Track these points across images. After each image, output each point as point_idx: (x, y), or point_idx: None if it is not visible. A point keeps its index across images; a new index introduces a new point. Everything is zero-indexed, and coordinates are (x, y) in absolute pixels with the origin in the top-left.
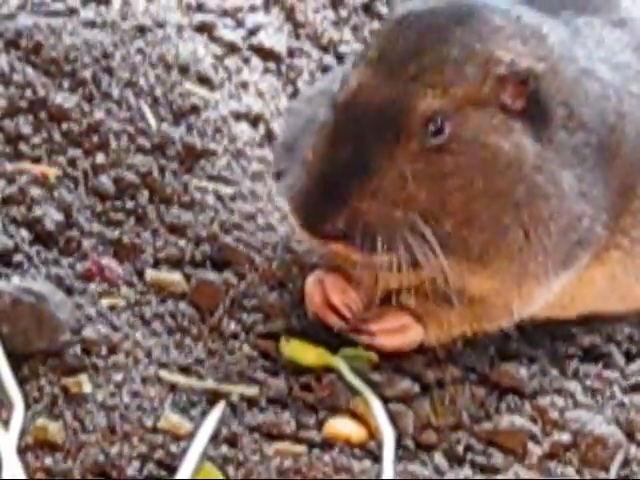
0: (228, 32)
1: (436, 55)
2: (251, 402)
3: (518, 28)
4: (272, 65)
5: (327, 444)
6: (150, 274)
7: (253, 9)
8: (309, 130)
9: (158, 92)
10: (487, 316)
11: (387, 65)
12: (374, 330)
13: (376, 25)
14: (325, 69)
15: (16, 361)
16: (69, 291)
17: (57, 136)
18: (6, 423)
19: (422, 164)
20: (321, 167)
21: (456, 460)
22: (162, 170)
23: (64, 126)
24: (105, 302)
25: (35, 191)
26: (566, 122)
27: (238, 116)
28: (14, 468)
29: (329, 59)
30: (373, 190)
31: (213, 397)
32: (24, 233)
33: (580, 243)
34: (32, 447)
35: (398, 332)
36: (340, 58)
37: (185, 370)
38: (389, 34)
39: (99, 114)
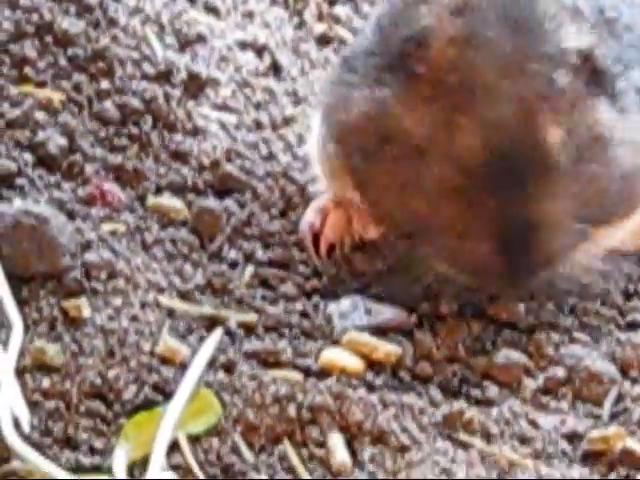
0: None
1: None
2: (249, 329)
3: None
4: None
5: (323, 372)
6: (152, 200)
7: None
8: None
9: (164, 20)
10: None
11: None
12: None
13: None
14: (332, 1)
15: (16, 283)
16: (70, 215)
17: (62, 61)
18: (5, 344)
19: None
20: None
21: (451, 392)
22: (166, 97)
23: (70, 51)
24: (106, 227)
25: (39, 115)
26: None
27: (244, 45)
28: (12, 389)
29: None
30: None
31: (211, 323)
32: (27, 156)
33: None
34: (30, 369)
35: None
36: None
37: (184, 296)
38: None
39: (105, 40)
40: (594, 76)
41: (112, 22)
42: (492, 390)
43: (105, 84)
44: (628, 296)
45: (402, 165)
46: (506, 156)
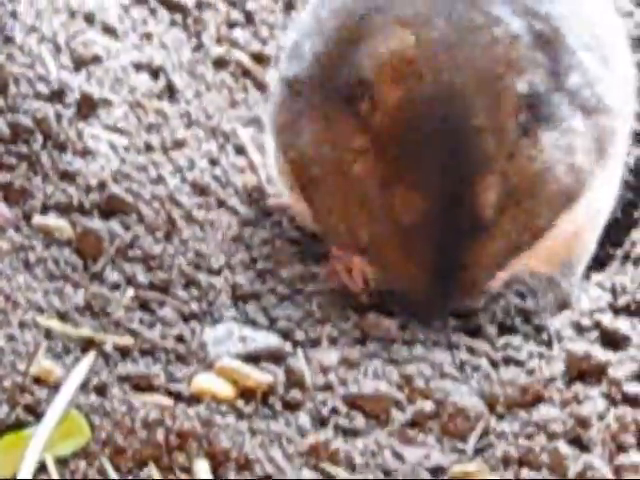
0: None
1: None
2: (124, 352)
3: None
4: (179, 17)
5: (194, 398)
6: (37, 219)
7: None
8: None
9: (61, 39)
10: None
11: None
12: None
13: None
14: (232, 24)
15: None
16: None
17: None
18: None
19: None
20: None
21: (320, 421)
22: (58, 117)
23: None
24: None
25: None
26: None
27: (139, 67)
28: None
29: (236, 14)
30: None
31: (87, 345)
32: None
33: None
34: None
35: None
36: (248, 14)
37: (63, 317)
38: None
39: (0, 58)
40: (534, 107)
41: (8, 40)
42: (360, 421)
43: None
44: (503, 331)
45: (351, 197)
46: (441, 214)
